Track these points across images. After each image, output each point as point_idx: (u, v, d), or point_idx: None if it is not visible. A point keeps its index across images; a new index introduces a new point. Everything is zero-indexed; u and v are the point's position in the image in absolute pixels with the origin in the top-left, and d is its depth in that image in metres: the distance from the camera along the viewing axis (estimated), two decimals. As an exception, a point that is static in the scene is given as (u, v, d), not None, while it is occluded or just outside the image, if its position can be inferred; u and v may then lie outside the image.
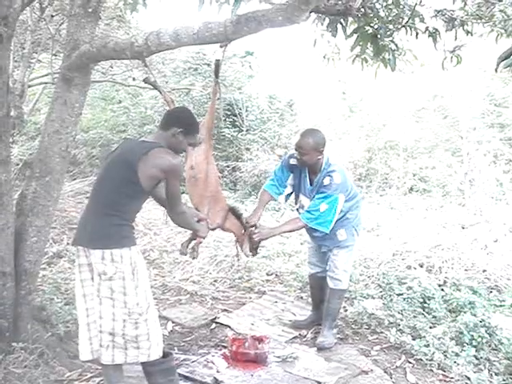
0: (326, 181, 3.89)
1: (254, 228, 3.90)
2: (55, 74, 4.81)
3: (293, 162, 4.08)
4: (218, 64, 3.63)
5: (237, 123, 9.56)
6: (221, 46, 3.32)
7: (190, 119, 3.08)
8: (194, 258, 3.77)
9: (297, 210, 4.25)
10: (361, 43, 4.17)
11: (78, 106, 3.73)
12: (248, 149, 9.16)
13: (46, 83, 8.83)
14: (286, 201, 4.29)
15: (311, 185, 4.02)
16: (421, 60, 5.48)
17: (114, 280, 2.84)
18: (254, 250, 3.98)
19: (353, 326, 4.44)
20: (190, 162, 3.65)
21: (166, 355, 3.04)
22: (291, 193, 4.20)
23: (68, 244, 5.62)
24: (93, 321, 2.93)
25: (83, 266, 2.94)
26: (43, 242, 3.80)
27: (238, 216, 3.90)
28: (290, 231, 4.23)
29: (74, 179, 7.85)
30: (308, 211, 3.90)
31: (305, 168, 4.03)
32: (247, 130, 9.51)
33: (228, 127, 9.39)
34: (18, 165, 7.15)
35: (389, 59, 4.33)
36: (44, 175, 3.70)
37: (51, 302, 4.14)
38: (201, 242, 3.62)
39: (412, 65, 5.50)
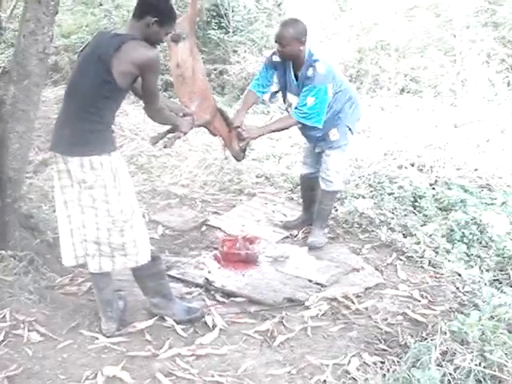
0: (309, 72, 3.73)
1: (240, 129, 3.79)
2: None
3: (275, 58, 3.91)
4: None
5: (223, 24, 9.21)
6: None
7: (165, 6, 2.83)
8: (165, 147, 3.56)
9: (286, 110, 4.13)
10: None
11: (53, 4, 3.52)
12: (235, 51, 8.87)
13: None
14: (270, 100, 4.13)
15: (297, 80, 3.86)
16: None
17: (95, 188, 2.76)
18: (243, 151, 3.89)
19: (344, 225, 4.44)
20: (175, 61, 3.48)
21: (154, 259, 3.01)
22: (276, 92, 4.05)
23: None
24: (76, 227, 2.87)
25: (62, 172, 2.83)
26: (26, 149, 3.70)
27: (226, 117, 3.79)
28: (281, 129, 4.11)
29: (56, 86, 7.62)
30: (296, 108, 3.79)
31: (289, 63, 3.86)
32: (234, 32, 9.19)
33: (214, 29, 9.06)
34: (-2, 72, 6.93)
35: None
36: (22, 79, 3.55)
37: (39, 210, 4.10)
38: (179, 137, 3.48)
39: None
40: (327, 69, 3.76)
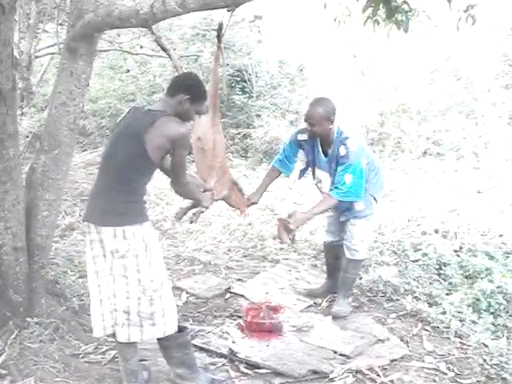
0: (342, 151, 3.78)
1: (286, 221, 3.83)
2: (61, 44, 4.74)
3: (301, 137, 3.99)
4: (220, 27, 3.52)
5: (246, 89, 9.41)
6: (228, 10, 3.21)
7: (197, 85, 2.97)
8: (191, 223, 3.67)
9: (315, 185, 4.18)
10: (372, 4, 4.06)
11: (85, 77, 3.66)
12: (259, 115, 9.03)
13: (53, 53, 8.74)
14: (299, 178, 4.23)
15: (326, 156, 3.92)
16: (434, 21, 5.35)
17: (127, 258, 2.81)
18: (292, 238, 3.91)
19: (368, 293, 4.41)
20: (196, 133, 3.58)
21: (181, 329, 3.03)
22: (305, 169, 4.13)
23: (80, 216, 5.60)
24: (106, 297, 2.90)
25: (95, 242, 2.89)
26: (54, 216, 3.77)
27: (240, 189, 3.85)
28: (324, 211, 4.05)
29: (84, 150, 7.82)
30: (336, 187, 3.80)
31: (316, 141, 3.94)
32: (257, 96, 9.37)
33: (238, 94, 9.25)
34: (27, 137, 7.11)
35: (401, 21, 4.21)
36: (53, 148, 3.66)
37: (65, 276, 4.14)
38: (202, 212, 3.56)
39: (425, 26, 5.37)
40: (358, 145, 3.84)
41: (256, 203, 4.05)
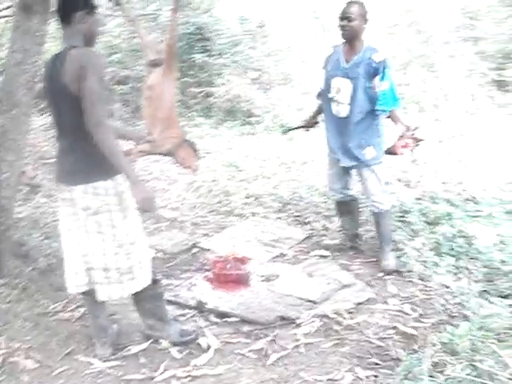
0: (378, 57, 3.78)
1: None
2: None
3: (328, 52, 4.06)
4: None
5: (207, 48, 9.31)
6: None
7: None
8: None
9: (330, 99, 4.00)
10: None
11: (40, 36, 3.59)
12: (220, 73, 8.95)
13: (9, 16, 8.47)
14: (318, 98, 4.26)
15: (347, 62, 3.87)
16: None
17: (101, 214, 2.76)
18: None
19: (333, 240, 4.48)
20: (148, 82, 3.55)
21: (154, 281, 3.04)
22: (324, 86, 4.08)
23: (43, 179, 5.55)
24: (80, 255, 2.86)
25: (66, 200, 2.84)
26: (16, 177, 3.74)
27: (193, 148, 3.76)
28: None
29: (43, 114, 7.65)
30: (383, 94, 3.78)
31: (340, 48, 3.95)
32: (218, 54, 9.27)
33: (198, 52, 9.14)
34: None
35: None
36: (11, 108, 3.60)
37: (30, 237, 4.11)
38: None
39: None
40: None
41: (317, 122, 4.37)
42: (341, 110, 3.94)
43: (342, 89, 3.90)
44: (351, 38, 3.85)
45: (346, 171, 4.16)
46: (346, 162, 4.05)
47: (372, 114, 3.89)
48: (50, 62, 2.83)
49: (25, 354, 2.98)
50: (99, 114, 2.62)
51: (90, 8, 2.80)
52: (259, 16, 10.10)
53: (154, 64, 3.51)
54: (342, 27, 3.83)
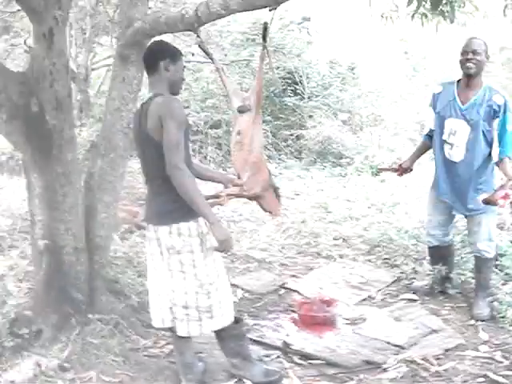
0: (499, 99, 3.65)
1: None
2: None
3: (437, 90, 3.94)
4: (265, 27, 3.54)
5: (298, 91, 9.47)
6: (270, 10, 3.27)
7: (166, 45, 3.04)
8: None
9: (442, 142, 3.87)
10: (417, -2, 4.04)
11: (136, 83, 3.81)
12: (311, 116, 9.08)
13: (108, 65, 9.00)
14: (425, 139, 4.17)
15: (464, 103, 3.75)
16: (482, 11, 5.28)
17: (183, 253, 2.88)
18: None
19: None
20: (237, 128, 3.65)
21: (237, 321, 3.11)
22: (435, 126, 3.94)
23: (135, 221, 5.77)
24: (164, 293, 2.98)
25: (152, 240, 2.98)
26: (112, 218, 3.93)
27: (277, 194, 3.82)
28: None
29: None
30: (506, 143, 3.66)
31: (453, 87, 3.82)
32: (309, 97, 9.42)
33: (289, 96, 9.32)
34: (86, 146, 7.34)
35: (447, 11, 4.20)
36: (109, 152, 3.82)
37: (124, 275, 4.27)
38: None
39: (474, 16, 5.30)
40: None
41: (411, 169, 4.22)
42: (455, 153, 3.80)
43: (457, 131, 3.76)
44: (475, 74, 3.72)
45: (450, 217, 4.05)
46: (459, 210, 3.93)
47: (488, 158, 3.76)
48: (138, 110, 3.02)
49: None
50: (176, 160, 2.73)
51: (174, 57, 2.97)
52: (349, 58, 10.20)
53: (241, 110, 3.63)
54: (467, 60, 3.70)
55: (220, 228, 2.79)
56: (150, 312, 3.16)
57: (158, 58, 2.94)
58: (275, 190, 3.81)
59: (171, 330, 3.10)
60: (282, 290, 4.51)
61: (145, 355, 3.48)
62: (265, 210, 3.85)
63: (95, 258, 3.80)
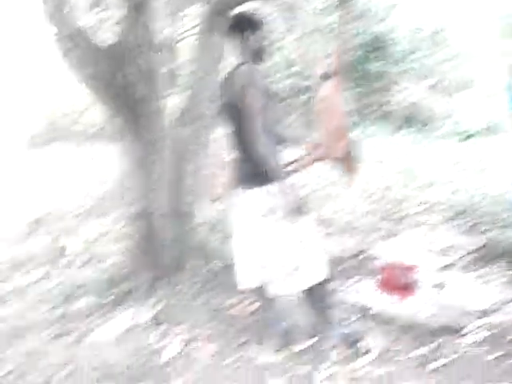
0: None
1: None
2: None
3: None
4: None
5: (383, 56, 9.32)
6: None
7: (249, 15, 3.08)
8: None
9: None
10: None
11: (221, 53, 3.92)
12: (396, 81, 8.94)
13: (194, 35, 9.14)
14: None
15: None
16: None
17: (270, 215, 2.96)
18: None
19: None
20: (320, 94, 3.69)
21: (322, 282, 3.15)
22: None
23: (221, 186, 5.92)
24: (252, 255, 3.09)
25: (240, 204, 3.09)
26: (197, 185, 4.10)
27: (356, 159, 3.81)
28: None
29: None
30: None
31: None
32: (394, 63, 9.25)
33: (374, 61, 9.19)
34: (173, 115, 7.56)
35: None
36: (194, 121, 3.97)
37: (208, 241, 4.46)
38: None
39: None
40: None
41: None
42: None
43: None
44: None
45: None
46: None
47: None
48: (225, 79, 3.12)
49: (203, 341, 3.31)
50: (255, 127, 2.84)
51: (256, 26, 3.05)
52: (436, 22, 9.89)
53: (325, 77, 3.66)
54: None
55: (292, 193, 2.87)
56: (235, 274, 3.30)
57: (240, 27, 3.03)
58: (353, 155, 3.83)
59: (258, 290, 3.23)
60: (364, 255, 4.55)
61: (231, 313, 3.66)
62: (343, 174, 3.89)
63: (182, 223, 3.98)
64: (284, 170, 2.97)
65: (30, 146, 8.78)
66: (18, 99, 9.72)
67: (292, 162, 3.40)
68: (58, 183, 6.52)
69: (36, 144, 8.96)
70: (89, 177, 6.64)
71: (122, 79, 3.62)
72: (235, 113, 2.94)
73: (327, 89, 3.65)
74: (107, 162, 6.84)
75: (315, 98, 3.78)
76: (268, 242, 3.01)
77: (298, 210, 2.90)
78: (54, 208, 5.75)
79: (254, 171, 2.97)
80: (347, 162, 3.74)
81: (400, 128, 8.34)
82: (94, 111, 8.76)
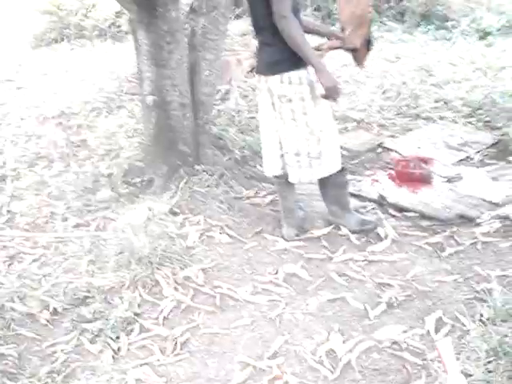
0: None
1: None
2: None
3: None
4: None
5: None
6: None
7: None
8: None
9: None
10: None
11: None
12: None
13: None
14: None
15: None
16: None
17: (294, 101, 2.97)
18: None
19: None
20: None
21: (341, 169, 3.23)
22: None
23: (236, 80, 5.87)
24: (276, 141, 3.14)
25: (263, 90, 3.10)
26: (215, 75, 4.08)
27: (370, 47, 3.73)
28: None
29: (239, 18, 7.94)
30: None
31: None
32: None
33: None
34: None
35: None
36: (210, 10, 3.89)
37: (226, 132, 4.48)
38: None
39: None
40: None
41: None
42: None
43: None
44: None
45: None
46: None
47: None
48: None
49: (220, 230, 3.40)
50: (284, 9, 2.76)
51: None
52: None
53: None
54: None
55: (327, 75, 2.86)
56: (251, 165, 3.35)
57: None
58: (368, 42, 3.76)
59: (278, 177, 3.28)
60: (380, 149, 4.57)
61: (247, 203, 3.74)
62: (355, 61, 3.83)
63: (199, 113, 3.99)
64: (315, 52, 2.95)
65: (37, 45, 8.60)
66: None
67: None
68: (71, 80, 6.45)
69: (44, 41, 8.76)
70: (101, 73, 6.55)
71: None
72: None
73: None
74: (119, 59, 6.76)
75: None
76: (289, 129, 3.05)
77: (332, 92, 2.88)
78: (69, 104, 5.71)
79: (276, 57, 2.96)
80: (362, 52, 3.68)
81: (417, 25, 8.10)
82: (104, 5, 8.56)
